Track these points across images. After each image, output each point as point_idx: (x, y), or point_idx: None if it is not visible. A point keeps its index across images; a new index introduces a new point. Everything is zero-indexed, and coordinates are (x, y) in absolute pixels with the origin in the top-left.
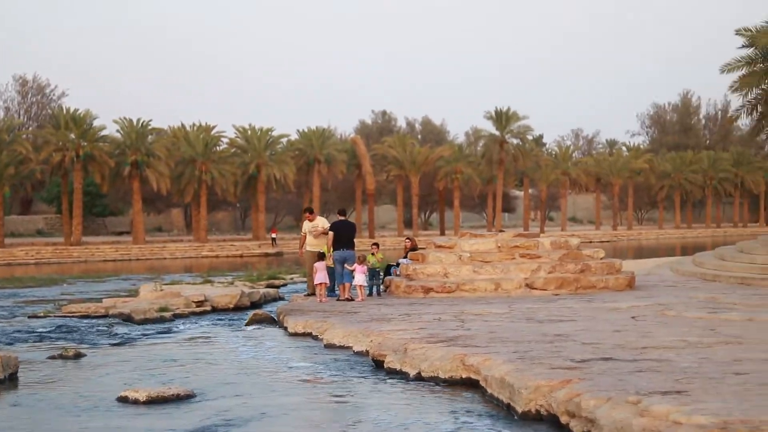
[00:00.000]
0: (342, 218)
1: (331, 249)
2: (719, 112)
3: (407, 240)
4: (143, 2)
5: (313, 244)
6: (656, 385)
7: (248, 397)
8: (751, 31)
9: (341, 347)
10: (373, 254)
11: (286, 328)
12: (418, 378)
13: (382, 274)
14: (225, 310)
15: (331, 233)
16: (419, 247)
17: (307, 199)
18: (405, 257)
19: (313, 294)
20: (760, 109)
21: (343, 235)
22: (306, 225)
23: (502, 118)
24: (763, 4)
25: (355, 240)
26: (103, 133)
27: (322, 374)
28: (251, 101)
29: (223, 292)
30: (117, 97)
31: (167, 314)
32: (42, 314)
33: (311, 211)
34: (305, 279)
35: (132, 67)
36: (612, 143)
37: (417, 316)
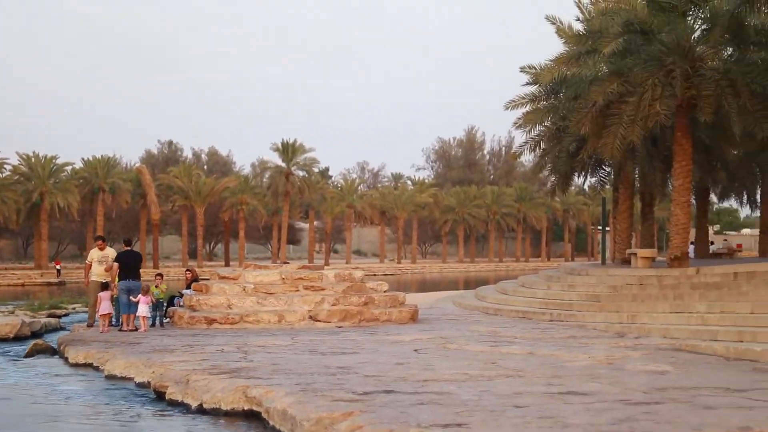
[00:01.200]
0: (127, 248)
1: (116, 279)
2: (503, 148)
3: (187, 271)
4: None
5: (100, 274)
6: (437, 417)
7: (24, 428)
8: (535, 68)
9: (123, 378)
10: (156, 286)
11: (67, 359)
12: (200, 409)
13: (165, 304)
14: (4, 340)
15: (116, 264)
16: (201, 278)
17: (92, 228)
18: (188, 288)
19: (94, 324)
20: (543, 145)
21: (129, 266)
22: (95, 253)
23: (288, 150)
24: (547, 42)
25: (140, 270)
26: None
27: (101, 405)
28: (36, 128)
29: (2, 321)
30: None
31: None
32: None
33: (103, 240)
34: (87, 309)
35: None
36: (397, 177)
37: (200, 347)
